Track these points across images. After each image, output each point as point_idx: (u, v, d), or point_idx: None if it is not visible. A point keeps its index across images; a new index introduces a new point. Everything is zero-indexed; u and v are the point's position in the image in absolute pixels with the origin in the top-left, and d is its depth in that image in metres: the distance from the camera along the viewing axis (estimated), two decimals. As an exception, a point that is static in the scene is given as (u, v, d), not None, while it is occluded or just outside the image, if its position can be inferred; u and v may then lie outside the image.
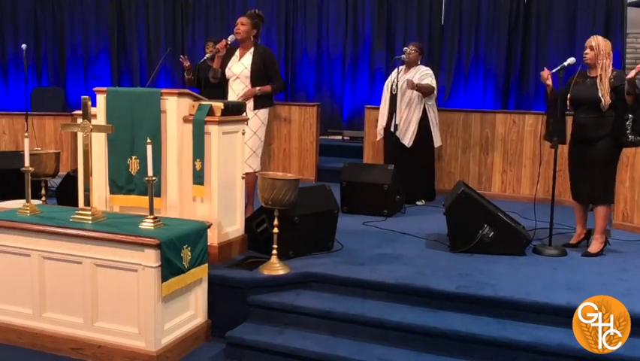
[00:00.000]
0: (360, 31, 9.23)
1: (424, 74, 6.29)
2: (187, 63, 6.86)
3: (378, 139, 6.69)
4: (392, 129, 6.29)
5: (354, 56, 9.24)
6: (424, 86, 6.21)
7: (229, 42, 5.16)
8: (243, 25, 5.11)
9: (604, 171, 4.51)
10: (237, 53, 5.23)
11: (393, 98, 6.32)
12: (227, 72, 5.22)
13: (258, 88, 5.10)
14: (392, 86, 6.35)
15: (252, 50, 5.16)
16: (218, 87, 5.73)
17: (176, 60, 9.83)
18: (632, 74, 4.22)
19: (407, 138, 6.32)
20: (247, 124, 5.06)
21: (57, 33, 10.27)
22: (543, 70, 4.66)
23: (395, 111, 6.24)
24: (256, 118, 5.12)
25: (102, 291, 3.63)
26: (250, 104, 5.10)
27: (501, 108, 8.41)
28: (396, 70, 6.33)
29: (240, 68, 5.14)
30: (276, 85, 5.21)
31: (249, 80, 5.11)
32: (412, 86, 6.14)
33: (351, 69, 9.27)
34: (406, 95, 6.29)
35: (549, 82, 4.66)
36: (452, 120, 7.10)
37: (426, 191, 6.54)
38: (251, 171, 4.99)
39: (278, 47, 9.45)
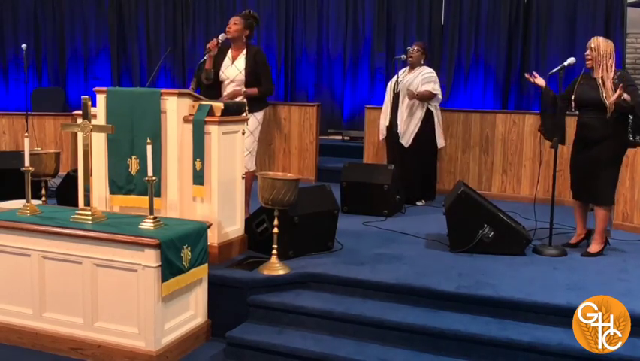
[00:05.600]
0: (360, 31, 9.22)
1: (426, 78, 6.26)
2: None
3: (381, 138, 6.68)
4: (393, 129, 6.30)
5: (354, 56, 9.23)
6: (423, 95, 6.20)
7: (220, 41, 5.01)
8: (235, 24, 5.03)
9: (606, 171, 4.50)
10: (230, 54, 5.13)
11: (395, 98, 6.34)
12: (221, 75, 5.11)
13: (243, 90, 5.04)
14: (394, 86, 6.36)
15: (244, 51, 5.09)
16: (216, 87, 5.73)
17: (176, 60, 9.84)
18: (613, 98, 4.23)
19: (406, 138, 6.31)
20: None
21: (57, 33, 10.25)
22: (531, 74, 4.70)
23: (397, 111, 6.26)
24: (254, 119, 5.07)
25: (102, 291, 3.63)
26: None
27: (501, 108, 8.40)
28: (400, 71, 6.34)
29: (234, 72, 5.06)
30: (264, 88, 5.10)
31: (244, 84, 5.05)
32: (412, 96, 6.17)
33: (351, 69, 9.26)
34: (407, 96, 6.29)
35: (538, 81, 4.67)
36: (452, 120, 7.09)
37: (426, 191, 6.54)
38: (247, 170, 4.91)
39: (278, 46, 9.44)
